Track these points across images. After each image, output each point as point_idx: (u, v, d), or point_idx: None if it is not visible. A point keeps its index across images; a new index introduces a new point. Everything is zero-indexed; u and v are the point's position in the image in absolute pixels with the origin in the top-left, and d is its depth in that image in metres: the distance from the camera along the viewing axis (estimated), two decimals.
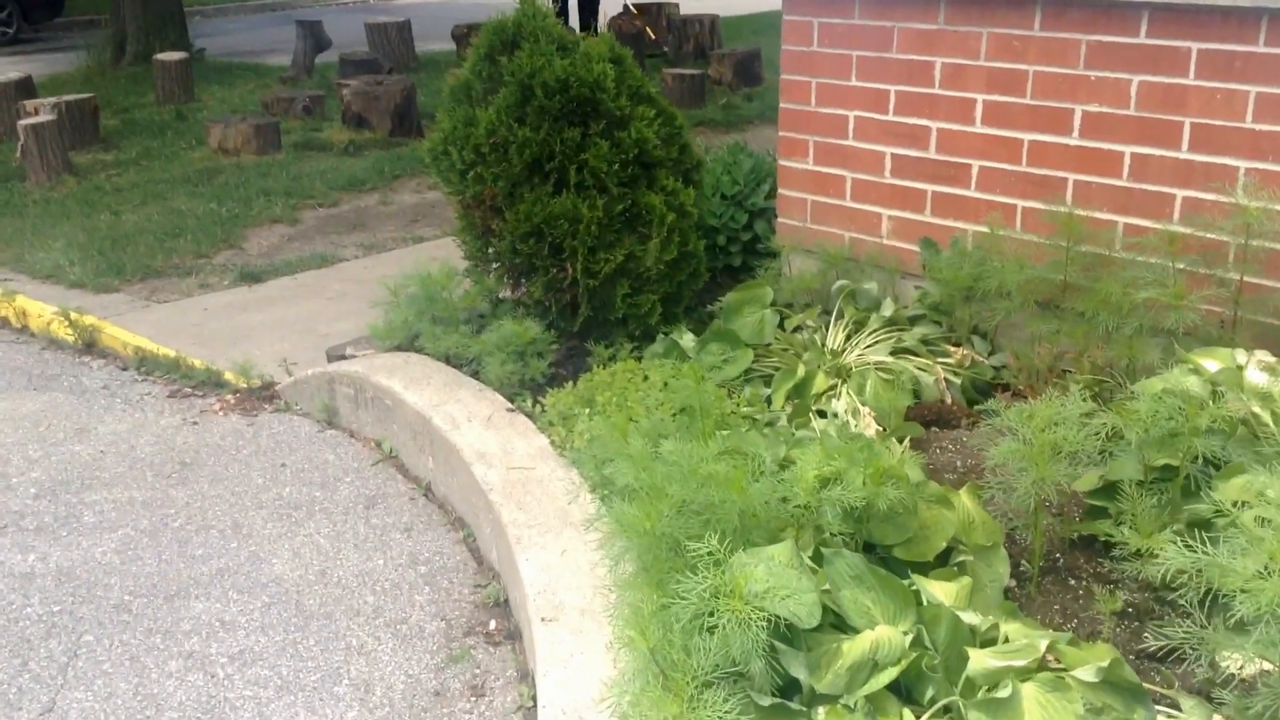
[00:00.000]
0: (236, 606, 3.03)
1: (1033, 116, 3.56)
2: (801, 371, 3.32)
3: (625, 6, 12.50)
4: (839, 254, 4.00)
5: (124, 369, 4.79)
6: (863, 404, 3.27)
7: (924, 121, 3.81)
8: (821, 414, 3.23)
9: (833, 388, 3.34)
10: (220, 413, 4.29)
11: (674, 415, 3.06)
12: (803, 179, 4.19)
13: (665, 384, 3.28)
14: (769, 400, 3.32)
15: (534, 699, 2.59)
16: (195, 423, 4.22)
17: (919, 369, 3.50)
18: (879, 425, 3.15)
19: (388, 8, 21.67)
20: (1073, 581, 2.56)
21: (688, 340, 3.61)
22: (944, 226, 3.84)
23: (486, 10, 21.07)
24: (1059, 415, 2.44)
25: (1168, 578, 2.31)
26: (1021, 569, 2.57)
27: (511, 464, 3.16)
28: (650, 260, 4.01)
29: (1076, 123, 3.48)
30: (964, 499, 2.54)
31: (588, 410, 3.31)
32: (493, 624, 2.89)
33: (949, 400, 3.46)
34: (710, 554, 1.94)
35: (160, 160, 8.17)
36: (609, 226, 3.97)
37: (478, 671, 2.72)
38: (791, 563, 2.01)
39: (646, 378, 3.43)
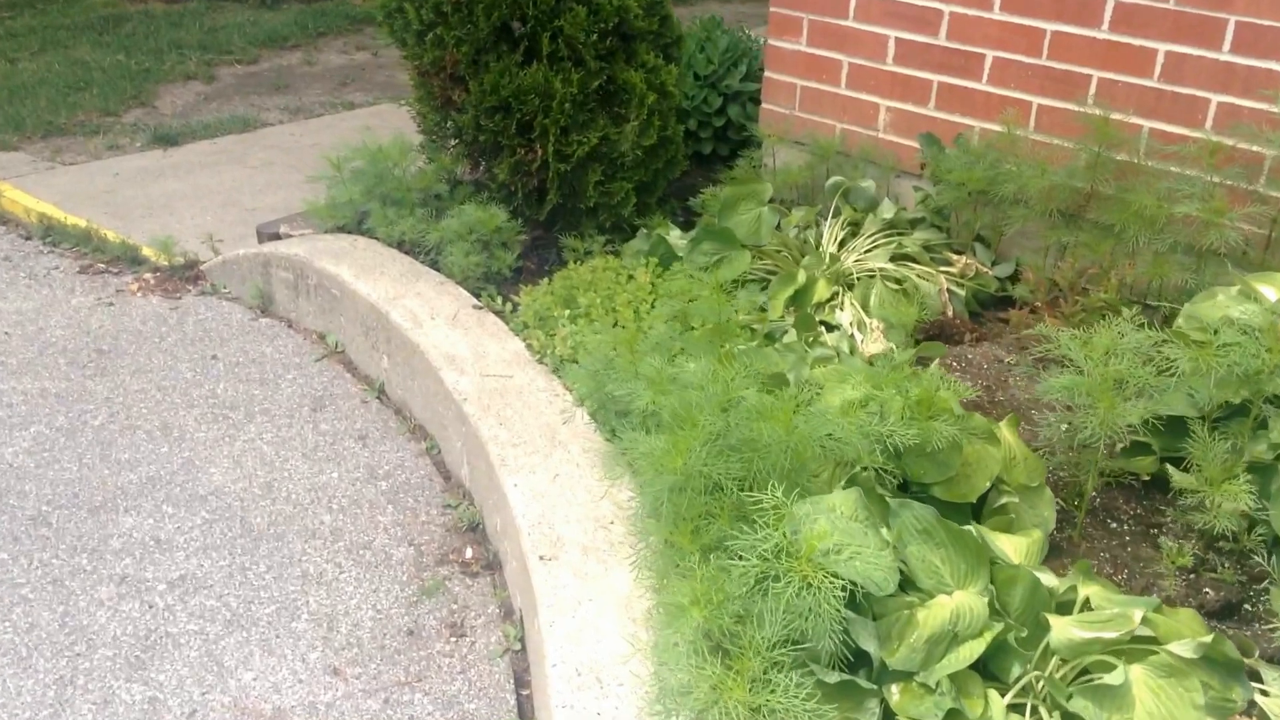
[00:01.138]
0: (173, 523, 2.68)
1: (1058, 4, 3.25)
2: (802, 278, 3.03)
3: None
4: (830, 146, 3.68)
5: (27, 238, 4.30)
6: (869, 316, 3.00)
7: (935, 4, 3.48)
8: (825, 325, 2.95)
9: (834, 296, 3.06)
10: (139, 293, 3.86)
11: (667, 322, 2.75)
12: (793, 61, 3.84)
13: (653, 285, 2.96)
14: (763, 307, 3.03)
15: (521, 641, 2.32)
16: (111, 304, 3.78)
17: (920, 277, 3.23)
18: (888, 341, 2.89)
19: None
20: (1114, 524, 2.35)
21: (675, 236, 3.28)
22: (949, 122, 3.54)
23: None
24: (1117, 344, 2.20)
25: (1245, 532, 2.11)
26: (1059, 510, 2.36)
27: (486, 370, 2.83)
28: (627, 144, 3.65)
29: (1107, 14, 3.18)
30: (1005, 432, 2.30)
31: (568, 312, 2.99)
32: (469, 551, 2.59)
33: (950, 313, 3.21)
34: (775, 507, 1.66)
35: (58, 4, 7.43)
36: (583, 105, 3.59)
37: (455, 607, 2.43)
38: (856, 514, 1.74)
39: (631, 277, 3.10)
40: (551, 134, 3.54)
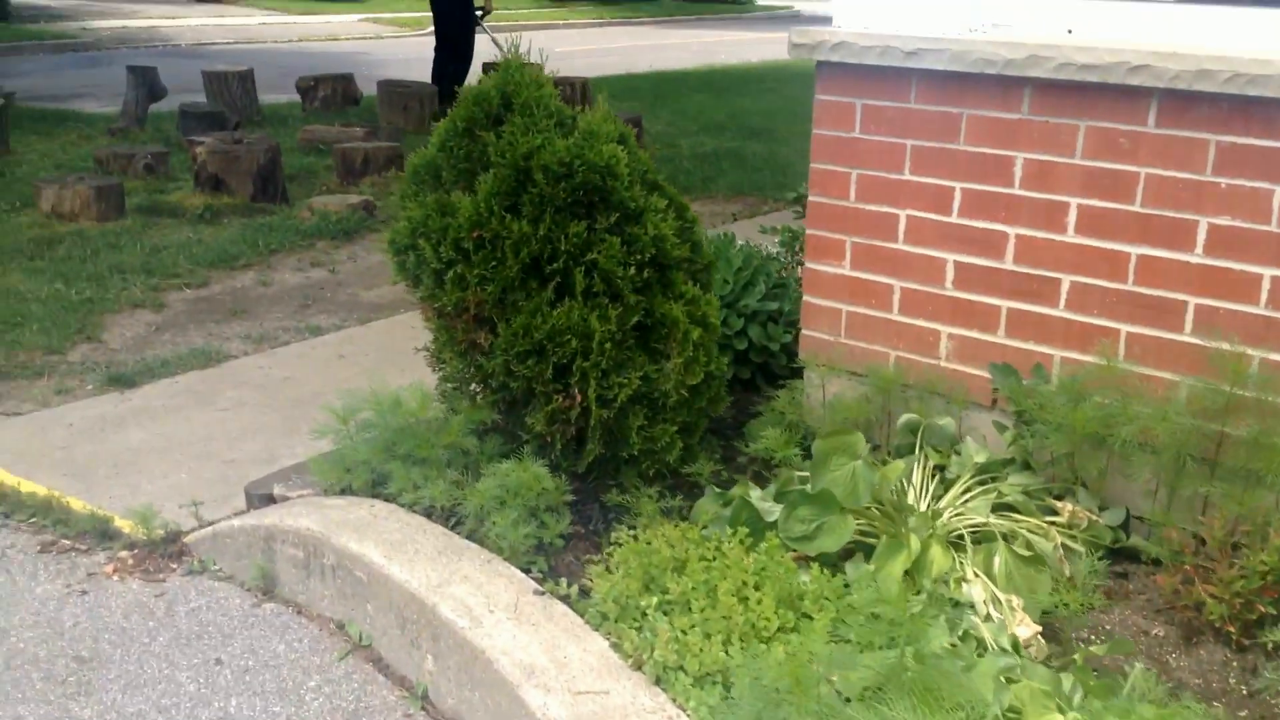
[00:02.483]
0: None
1: (1143, 227, 3.04)
2: (916, 545, 2.68)
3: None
4: (893, 379, 3.39)
5: None
6: (998, 588, 2.65)
7: (999, 226, 3.26)
8: (953, 603, 2.59)
9: (955, 565, 2.71)
10: (115, 576, 3.34)
11: (830, 643, 2.36)
12: (836, 285, 3.57)
13: (762, 569, 2.57)
14: (874, 582, 2.66)
15: None
16: (85, 592, 3.26)
17: (1032, 532, 2.90)
18: (1034, 623, 2.53)
19: (208, 52, 20.32)
20: None
21: (757, 497, 2.92)
22: (1022, 351, 3.28)
23: (308, 60, 19.94)
24: None
25: None
26: None
27: (575, 684, 2.39)
28: (670, 384, 3.32)
29: (1200, 238, 2.97)
30: None
31: (655, 600, 2.57)
32: None
33: (1067, 572, 2.87)
34: None
35: None
36: (621, 343, 3.26)
37: None
38: None
39: (720, 550, 2.71)
40: (592, 378, 3.19)
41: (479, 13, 11.70)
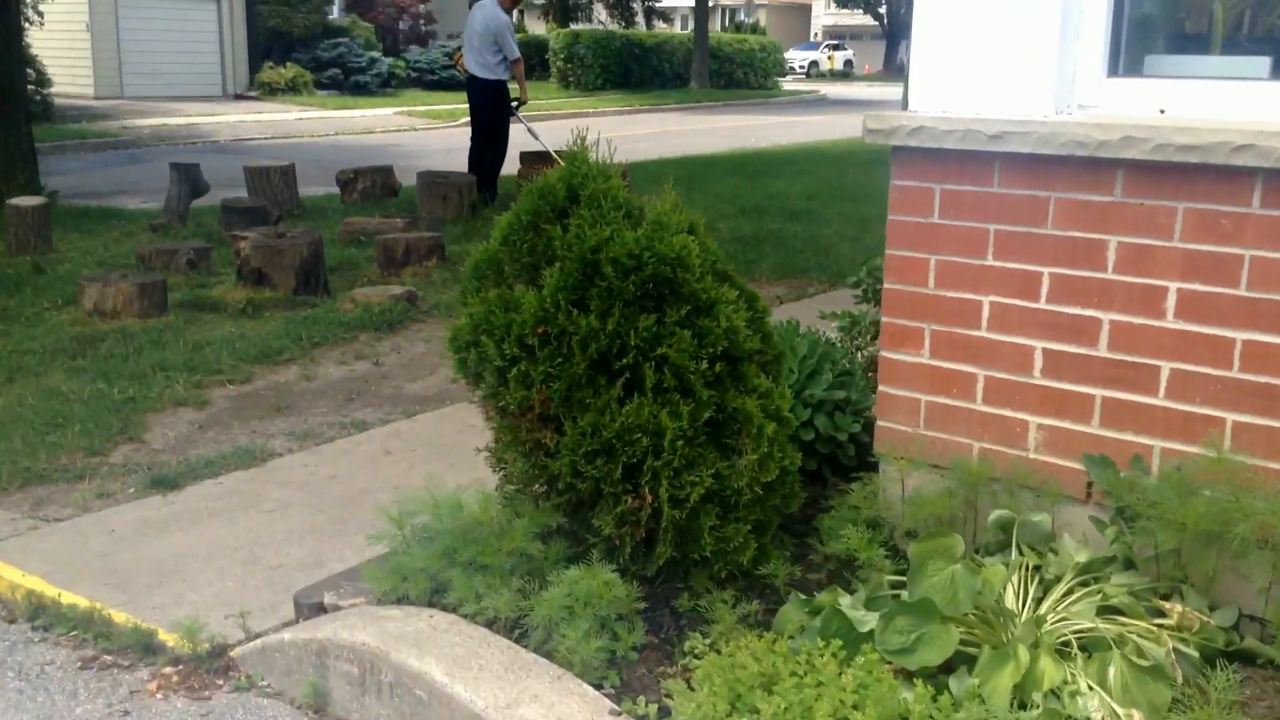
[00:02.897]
0: None
1: (1249, 312, 2.86)
2: (1024, 657, 2.47)
3: (547, 152, 11.80)
4: (980, 472, 3.20)
5: (11, 621, 3.61)
6: (1115, 701, 2.43)
7: (1091, 312, 3.09)
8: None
9: (1067, 677, 2.49)
10: (159, 694, 3.16)
11: None
12: (914, 375, 3.40)
13: (861, 687, 2.37)
14: (980, 697, 2.44)
15: None
16: (127, 712, 3.08)
17: (1141, 636, 2.68)
18: None
19: (247, 148, 20.63)
20: None
21: (848, 605, 2.72)
22: (1119, 441, 3.09)
23: (345, 153, 20.14)
24: None
25: None
26: None
27: None
28: (743, 481, 3.14)
29: None
30: None
31: None
32: None
33: (1179, 677, 2.65)
34: None
35: (22, 324, 6.92)
36: (694, 440, 3.09)
37: None
38: None
39: (811, 665, 2.51)
40: (664, 477, 3.02)
41: (515, 104, 11.75)
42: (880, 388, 3.48)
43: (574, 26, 41.49)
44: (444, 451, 4.91)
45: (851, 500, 3.40)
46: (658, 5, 51.21)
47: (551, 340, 3.11)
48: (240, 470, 4.72)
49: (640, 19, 50.05)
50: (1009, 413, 3.26)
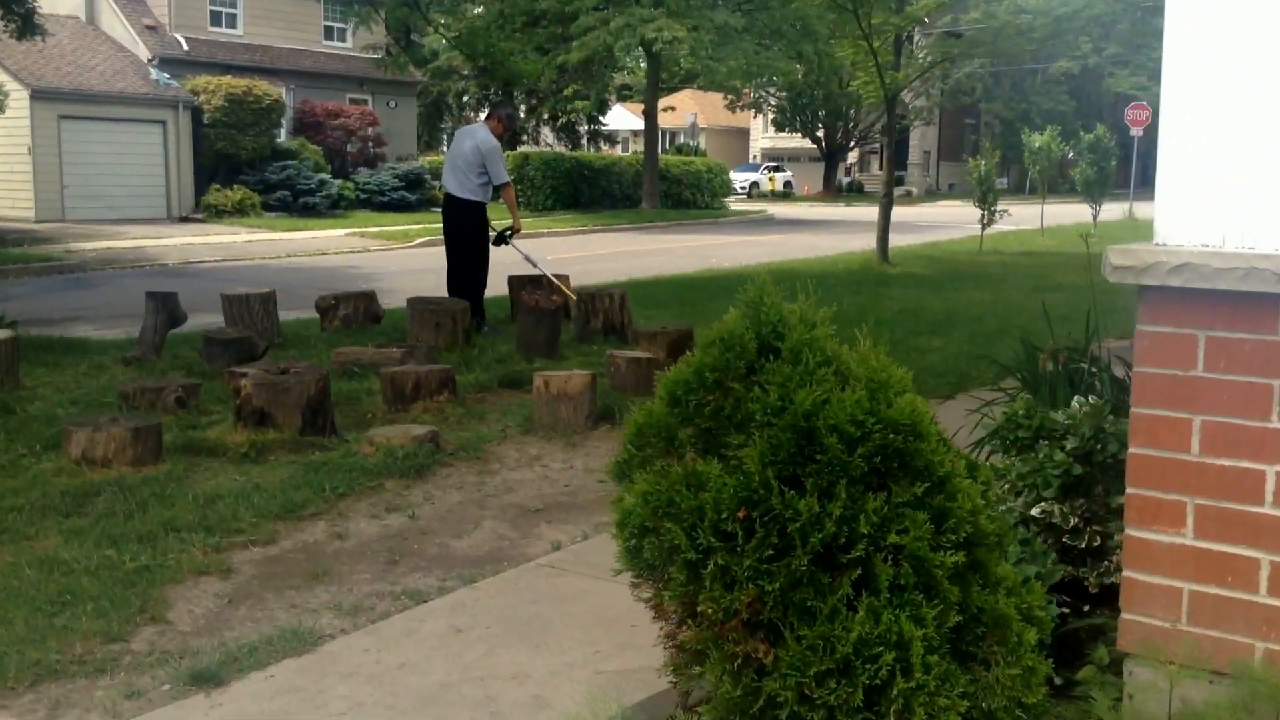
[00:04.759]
0: None
1: None
2: None
3: (545, 277, 11.31)
4: (1266, 678, 2.65)
5: None
6: None
7: None
8: None
9: None
10: None
11: None
12: (1172, 558, 2.86)
13: None
14: None
15: None
16: None
17: None
18: None
19: (199, 271, 19.98)
20: None
21: None
22: None
23: (301, 276, 19.61)
24: None
25: None
26: None
27: None
28: (998, 701, 2.56)
29: None
30: None
31: None
32: None
33: None
34: None
35: (1, 475, 6.16)
36: (941, 651, 2.52)
37: None
38: None
39: None
40: (917, 703, 2.43)
41: (507, 232, 11.29)
42: (1126, 573, 2.93)
43: (521, 149, 41.61)
44: (522, 629, 4.26)
45: (1094, 710, 2.83)
46: (602, 129, 51.79)
47: (758, 527, 2.54)
48: (291, 658, 4.03)
49: (585, 141, 50.51)
50: None
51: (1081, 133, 26.45)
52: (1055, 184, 26.94)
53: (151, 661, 3.99)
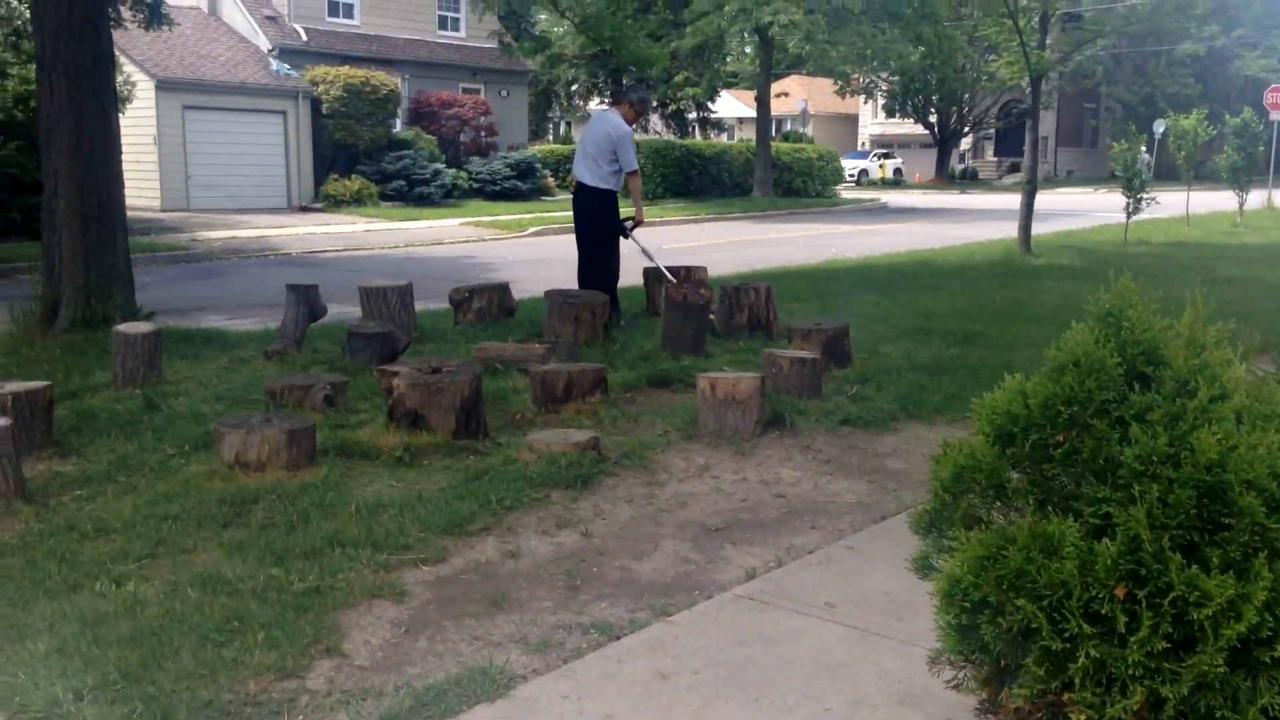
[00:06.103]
0: None
1: None
2: None
3: (659, 272, 10.82)
4: None
5: None
6: None
7: None
8: None
9: None
10: None
11: None
12: None
13: None
14: None
15: None
16: None
17: None
18: None
19: (320, 260, 19.94)
20: None
21: None
22: None
23: (421, 265, 19.43)
24: None
25: None
26: None
27: None
28: None
29: None
30: None
31: None
32: None
33: None
34: None
35: (148, 476, 5.88)
36: None
37: None
38: None
39: None
40: None
41: (628, 223, 10.79)
42: None
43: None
44: (735, 678, 3.78)
45: None
46: (710, 116, 51.12)
47: (1144, 610, 1.99)
48: (484, 704, 3.60)
49: (694, 129, 49.92)
50: None
51: (1227, 116, 25.02)
52: (1197, 170, 25.54)
53: (332, 704, 3.59)
